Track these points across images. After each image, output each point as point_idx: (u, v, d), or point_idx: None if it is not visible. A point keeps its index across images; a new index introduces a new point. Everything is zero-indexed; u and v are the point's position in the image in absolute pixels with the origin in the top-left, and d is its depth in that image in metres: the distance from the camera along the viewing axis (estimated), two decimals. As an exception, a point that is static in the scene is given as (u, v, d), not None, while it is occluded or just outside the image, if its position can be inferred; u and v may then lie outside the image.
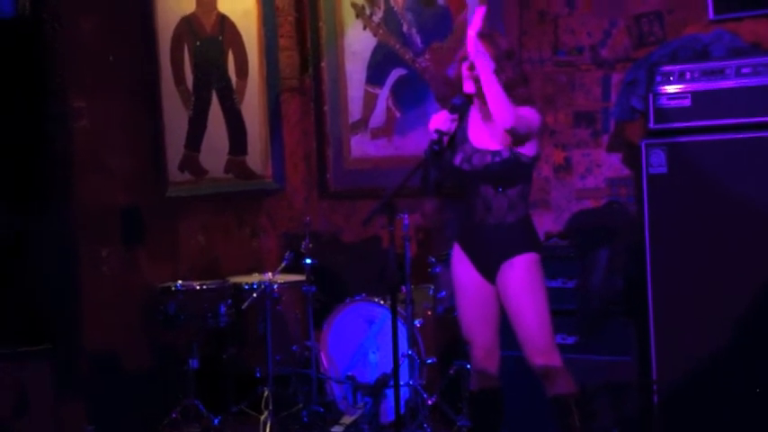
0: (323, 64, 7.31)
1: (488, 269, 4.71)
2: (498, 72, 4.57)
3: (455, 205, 4.97)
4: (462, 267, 4.80)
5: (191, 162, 6.84)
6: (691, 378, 5.22)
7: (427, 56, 6.82)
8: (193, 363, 6.17)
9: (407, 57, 6.92)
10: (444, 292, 5.90)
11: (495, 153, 4.63)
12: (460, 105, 4.67)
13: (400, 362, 4.90)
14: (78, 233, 6.22)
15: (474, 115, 4.76)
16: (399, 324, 5.01)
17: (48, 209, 6.18)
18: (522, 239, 4.69)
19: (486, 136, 4.68)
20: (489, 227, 4.68)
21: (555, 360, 4.68)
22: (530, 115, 4.60)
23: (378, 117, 7.10)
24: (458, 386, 5.90)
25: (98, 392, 6.18)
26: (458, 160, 4.71)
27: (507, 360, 4.90)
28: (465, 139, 4.73)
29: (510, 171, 4.64)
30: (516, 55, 4.72)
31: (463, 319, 4.84)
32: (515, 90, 4.62)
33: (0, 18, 6.13)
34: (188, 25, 6.82)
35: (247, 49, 7.16)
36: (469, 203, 4.75)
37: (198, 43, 6.88)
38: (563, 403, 4.68)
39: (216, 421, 6.14)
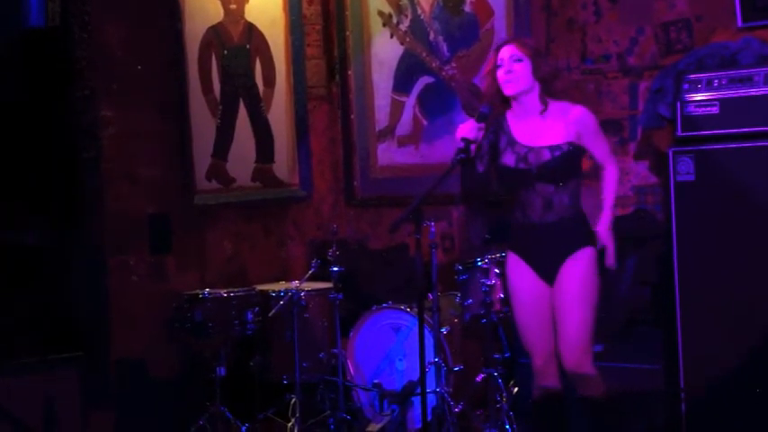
0: (350, 72, 7.33)
1: (549, 269, 4.75)
2: (535, 70, 4.71)
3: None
4: (520, 274, 4.83)
5: (218, 170, 6.86)
6: (718, 387, 5.19)
7: (454, 64, 6.83)
8: (221, 370, 6.17)
9: (434, 65, 6.92)
10: (471, 300, 5.89)
11: (553, 148, 4.71)
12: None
13: (427, 369, 4.90)
14: (106, 241, 6.25)
15: (516, 115, 4.82)
16: (426, 331, 5.00)
17: (76, 217, 6.22)
18: (584, 234, 4.76)
19: (538, 132, 4.75)
20: (550, 225, 4.73)
21: (588, 365, 4.73)
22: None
23: (404, 125, 7.10)
24: (484, 394, 5.89)
25: (126, 400, 6.20)
26: (511, 162, 4.75)
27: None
28: (513, 141, 4.78)
29: (570, 164, 4.74)
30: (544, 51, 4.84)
31: (523, 328, 4.87)
32: (553, 84, 4.78)
33: (30, 28, 6.18)
34: (215, 34, 6.85)
35: (274, 58, 7.18)
36: (525, 204, 4.77)
37: (225, 52, 6.91)
38: (591, 405, 4.69)
39: (243, 429, 6.15)
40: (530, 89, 4.77)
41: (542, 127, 4.77)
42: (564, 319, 4.73)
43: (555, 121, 4.78)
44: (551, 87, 4.78)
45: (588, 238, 4.80)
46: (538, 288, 4.80)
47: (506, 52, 4.77)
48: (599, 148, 4.83)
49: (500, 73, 4.76)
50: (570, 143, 4.74)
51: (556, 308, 4.76)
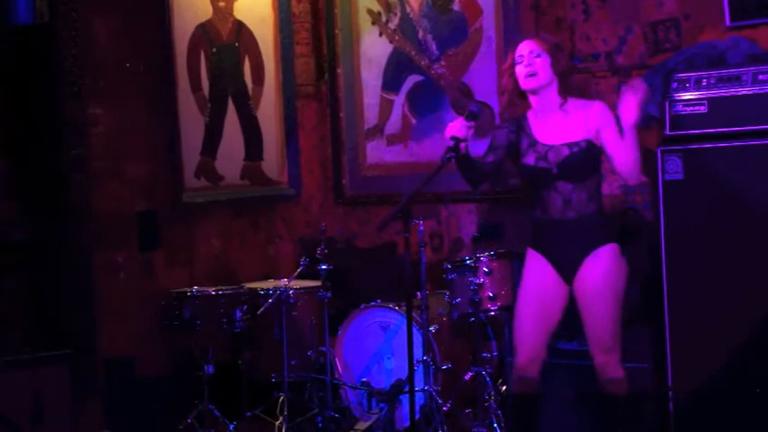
0: (339, 70, 7.33)
1: (569, 266, 4.78)
2: (554, 64, 4.79)
3: (527, 207, 5.03)
4: (538, 271, 4.87)
5: (207, 168, 6.85)
6: (707, 386, 5.20)
7: (443, 62, 6.83)
8: (209, 368, 6.17)
9: (423, 63, 6.92)
10: (460, 298, 5.89)
11: (572, 144, 4.75)
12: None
13: (415, 368, 4.90)
14: (94, 239, 6.25)
15: (536, 113, 4.90)
16: (414, 330, 5.01)
17: (64, 215, 6.20)
18: (606, 230, 4.79)
19: (558, 130, 4.81)
20: (570, 222, 4.77)
21: (616, 359, 4.78)
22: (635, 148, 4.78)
23: (393, 123, 7.10)
24: (473, 392, 5.89)
25: (114, 397, 6.20)
26: (531, 161, 4.80)
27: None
28: (534, 141, 4.85)
29: (588, 161, 4.78)
30: (563, 47, 4.89)
31: (520, 323, 4.89)
32: (569, 78, 4.87)
33: (18, 25, 6.16)
34: (204, 32, 6.84)
35: (263, 56, 7.18)
36: (545, 202, 4.82)
37: (214, 50, 6.90)
38: (613, 401, 4.72)
39: (231, 426, 6.15)
40: (549, 83, 4.84)
41: (562, 124, 4.84)
42: (589, 314, 4.77)
43: (574, 118, 4.85)
44: (568, 80, 4.87)
45: (609, 234, 4.84)
46: (555, 285, 4.84)
47: (525, 48, 4.85)
48: (617, 143, 4.83)
49: (519, 68, 4.83)
50: (588, 140, 4.79)
51: (580, 306, 4.80)
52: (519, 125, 4.93)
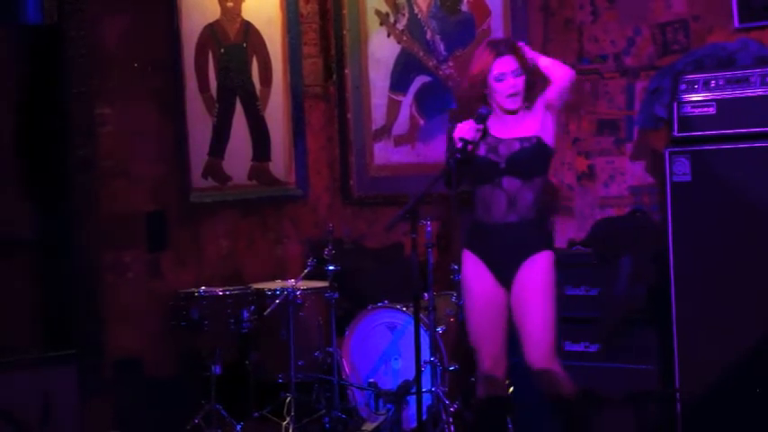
0: (347, 71, 7.33)
1: (506, 270, 4.72)
2: (528, 81, 4.76)
3: (468, 208, 4.97)
4: (475, 274, 4.80)
5: (214, 168, 6.86)
6: (714, 387, 5.20)
7: (451, 63, 6.83)
8: (216, 368, 6.17)
9: (431, 64, 6.93)
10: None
11: (523, 139, 4.72)
12: (486, 115, 4.72)
13: (422, 369, 4.90)
14: (102, 239, 6.25)
15: (495, 112, 4.82)
16: (422, 331, 5.01)
17: (72, 215, 6.21)
18: (543, 237, 4.76)
19: (510, 125, 4.76)
20: (511, 225, 4.71)
21: (556, 364, 4.72)
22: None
23: (401, 124, 7.10)
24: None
25: (122, 398, 6.20)
26: (482, 152, 4.75)
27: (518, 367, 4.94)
28: (486, 133, 4.80)
29: (539, 158, 4.74)
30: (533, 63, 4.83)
31: (472, 327, 4.86)
32: (533, 90, 4.81)
33: (26, 24, 6.17)
34: (212, 32, 6.85)
35: (271, 56, 7.18)
36: (487, 203, 4.76)
37: (222, 50, 6.90)
38: (565, 404, 4.69)
39: (238, 427, 6.15)
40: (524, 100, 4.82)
41: (516, 122, 4.80)
42: (525, 321, 4.71)
43: (528, 117, 4.82)
44: (534, 94, 4.82)
45: (547, 241, 4.80)
46: (493, 290, 4.78)
47: (507, 66, 4.75)
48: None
49: (501, 86, 4.74)
50: (539, 138, 4.76)
51: (515, 311, 4.74)
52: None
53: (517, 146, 4.73)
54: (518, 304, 4.72)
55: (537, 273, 4.69)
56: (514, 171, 4.71)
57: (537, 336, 4.68)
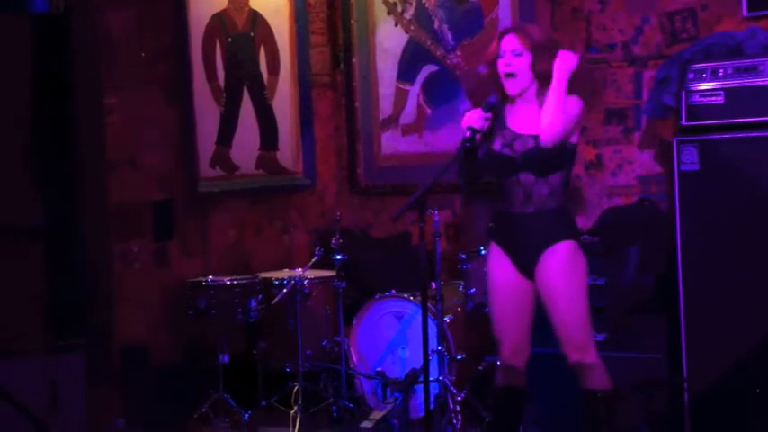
0: (354, 60, 7.32)
1: (528, 261, 4.67)
2: (534, 64, 4.61)
3: (485, 200, 4.94)
4: (498, 264, 4.76)
5: (222, 158, 6.86)
6: (722, 376, 5.20)
7: (458, 52, 6.82)
8: (224, 357, 6.19)
9: (438, 53, 6.92)
10: (474, 289, 5.90)
11: (538, 137, 4.60)
12: (495, 103, 4.66)
13: (430, 358, 4.90)
14: (110, 228, 6.26)
15: (513, 101, 4.73)
16: (429, 320, 5.00)
17: (79, 203, 6.21)
18: (564, 227, 4.66)
19: (527, 120, 4.64)
20: (529, 216, 4.64)
21: (591, 356, 4.65)
22: (572, 109, 4.58)
23: (408, 114, 7.09)
24: (487, 382, 5.89)
25: (129, 386, 6.22)
26: (497, 146, 4.68)
27: (537, 358, 4.92)
28: (503, 126, 4.70)
29: (554, 156, 4.60)
30: (550, 48, 4.68)
31: (495, 318, 4.81)
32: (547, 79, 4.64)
33: (34, 14, 6.17)
34: (220, 21, 6.85)
35: (279, 46, 7.18)
36: (507, 194, 4.69)
37: (229, 39, 6.90)
38: (594, 399, 4.66)
39: (245, 416, 6.16)
40: (528, 86, 4.66)
41: (535, 116, 4.64)
42: (553, 314, 4.65)
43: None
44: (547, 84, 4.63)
45: (569, 232, 4.68)
46: (515, 279, 4.72)
47: (508, 45, 4.63)
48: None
49: (501, 64, 4.69)
50: None
51: (543, 303, 4.71)
52: (496, 115, 4.72)
53: (531, 143, 4.61)
54: (544, 296, 4.67)
55: (558, 263, 4.61)
56: (529, 168, 4.64)
57: (565, 329, 4.62)
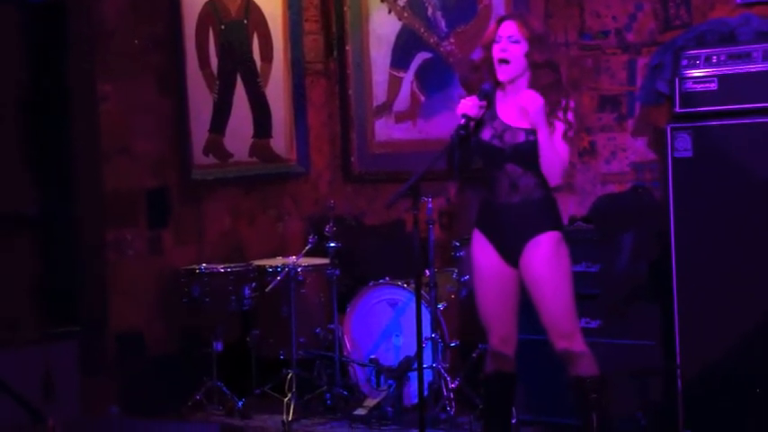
0: (348, 47, 7.30)
1: (512, 251, 4.68)
2: (530, 54, 4.61)
3: (479, 188, 4.93)
4: (483, 252, 4.77)
5: (215, 145, 6.85)
6: (715, 363, 5.20)
7: (452, 39, 6.81)
8: (217, 345, 6.20)
9: (432, 40, 6.90)
10: (468, 276, 5.89)
11: (528, 131, 4.61)
12: (490, 91, 4.66)
13: (423, 345, 4.91)
14: (104, 216, 6.26)
15: (505, 91, 4.73)
16: (423, 307, 5.01)
17: (73, 192, 6.21)
18: (548, 217, 4.68)
19: (518, 113, 4.65)
20: (515, 206, 4.65)
21: (578, 343, 4.68)
22: (564, 153, 4.64)
23: (402, 101, 7.09)
24: (480, 369, 5.89)
25: (123, 374, 6.22)
26: (487, 136, 4.68)
27: (526, 344, 4.93)
28: (494, 116, 4.70)
29: None
30: (547, 42, 4.69)
31: (481, 306, 4.83)
32: (539, 71, 4.64)
33: (28, 2, 6.16)
34: (213, 8, 6.83)
35: (272, 33, 7.16)
36: (493, 183, 4.71)
37: (223, 27, 6.89)
38: (583, 385, 4.67)
39: (239, 403, 6.17)
40: (521, 74, 4.66)
41: (523, 107, 4.63)
42: (537, 303, 4.67)
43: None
44: (536, 73, 4.64)
45: (554, 222, 4.70)
46: (500, 268, 4.73)
47: (505, 30, 4.63)
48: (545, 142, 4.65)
49: (496, 49, 4.69)
50: None
51: (528, 292, 4.72)
52: (490, 102, 4.72)
53: (522, 137, 4.62)
54: (529, 285, 4.69)
55: (543, 253, 4.63)
56: (517, 160, 4.65)
57: (550, 317, 4.64)
